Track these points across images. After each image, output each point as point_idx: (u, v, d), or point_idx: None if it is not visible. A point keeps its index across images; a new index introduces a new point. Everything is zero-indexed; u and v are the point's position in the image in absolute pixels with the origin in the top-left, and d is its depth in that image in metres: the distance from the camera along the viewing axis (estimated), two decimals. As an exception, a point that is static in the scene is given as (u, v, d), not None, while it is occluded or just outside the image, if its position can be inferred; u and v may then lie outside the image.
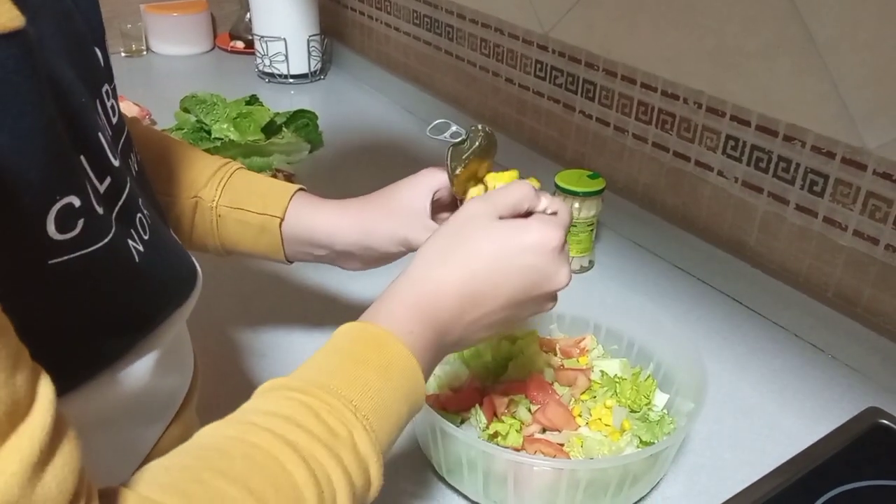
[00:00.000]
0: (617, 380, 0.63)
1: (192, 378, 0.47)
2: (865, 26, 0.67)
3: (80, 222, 0.32)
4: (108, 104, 0.38)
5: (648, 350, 0.66)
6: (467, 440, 0.51)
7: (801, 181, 0.77)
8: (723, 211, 0.86)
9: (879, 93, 0.68)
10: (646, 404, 0.62)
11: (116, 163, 0.36)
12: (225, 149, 1.06)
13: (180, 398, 0.45)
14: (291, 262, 0.61)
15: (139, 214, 0.39)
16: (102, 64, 0.39)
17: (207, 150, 1.05)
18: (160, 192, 0.59)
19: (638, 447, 0.58)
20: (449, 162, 0.55)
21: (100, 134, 0.35)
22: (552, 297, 0.49)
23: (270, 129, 1.13)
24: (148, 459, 0.41)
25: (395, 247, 0.57)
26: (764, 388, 0.71)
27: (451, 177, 0.56)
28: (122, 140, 0.40)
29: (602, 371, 0.64)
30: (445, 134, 0.57)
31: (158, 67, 1.52)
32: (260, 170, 1.05)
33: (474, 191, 0.57)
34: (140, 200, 0.39)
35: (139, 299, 0.38)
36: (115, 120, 0.39)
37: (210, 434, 0.35)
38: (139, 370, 0.38)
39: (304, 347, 0.73)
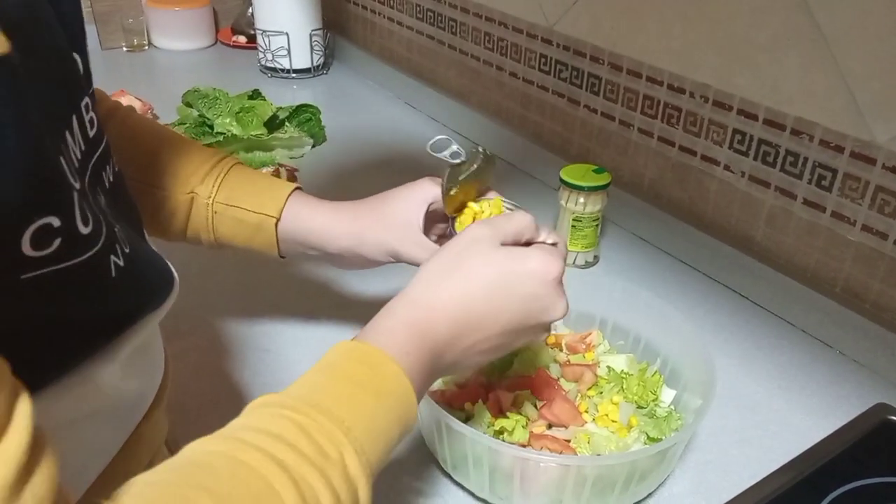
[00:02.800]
0: (623, 375, 0.62)
1: (162, 380, 0.46)
2: (875, 18, 0.66)
3: (58, 241, 0.31)
4: (87, 117, 0.37)
5: (655, 346, 0.66)
6: (473, 436, 0.51)
7: (809, 175, 0.76)
8: (729, 206, 0.85)
9: (889, 86, 0.67)
10: (653, 400, 0.61)
11: (77, 185, 0.34)
12: (227, 143, 1.05)
13: (148, 400, 0.44)
14: (284, 258, 0.63)
15: (115, 228, 0.38)
16: (82, 71, 0.39)
17: (209, 145, 1.06)
18: (154, 186, 0.59)
19: (645, 443, 0.57)
20: (445, 182, 0.56)
21: (61, 157, 0.33)
22: (546, 328, 0.49)
23: (273, 124, 1.12)
24: (115, 462, 0.41)
25: (383, 257, 0.59)
26: (771, 384, 0.70)
27: (445, 196, 0.56)
28: (96, 154, 0.39)
29: (608, 367, 0.64)
30: (445, 152, 0.58)
31: (160, 62, 1.51)
32: (262, 164, 1.04)
33: (465, 217, 0.58)
34: (109, 215, 0.38)
35: (111, 310, 0.38)
36: (92, 133, 0.38)
37: (198, 450, 0.33)
38: (104, 373, 0.38)
39: (308, 343, 0.73)
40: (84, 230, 0.33)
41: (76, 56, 0.38)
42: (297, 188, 0.61)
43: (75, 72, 0.37)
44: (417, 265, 0.57)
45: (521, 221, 0.48)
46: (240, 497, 0.30)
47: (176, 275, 0.44)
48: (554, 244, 0.50)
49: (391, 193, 0.60)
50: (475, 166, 0.58)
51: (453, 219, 0.59)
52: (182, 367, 0.68)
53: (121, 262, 0.37)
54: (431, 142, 0.57)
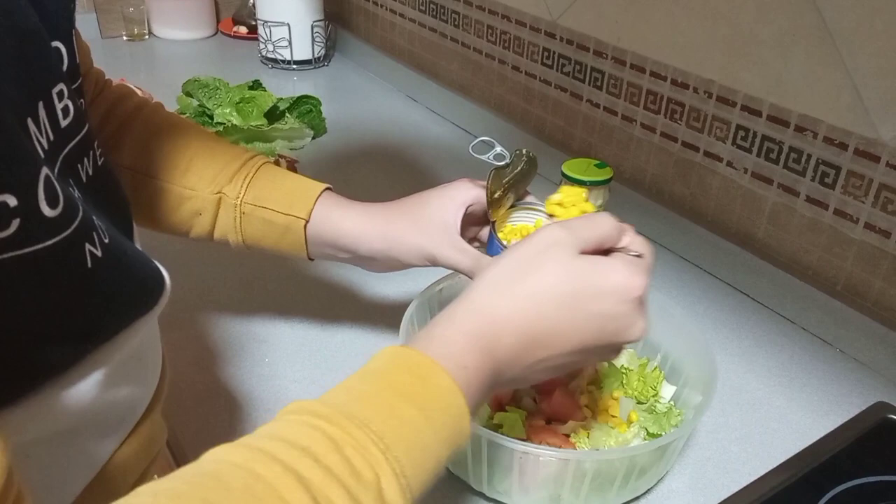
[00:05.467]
0: (624, 371, 0.62)
1: (158, 388, 0.44)
2: (882, 15, 0.66)
3: (16, 221, 0.29)
4: (59, 105, 0.35)
5: (656, 341, 0.65)
6: (472, 430, 0.50)
7: (812, 173, 0.76)
8: (732, 202, 0.85)
9: (895, 83, 0.67)
10: (653, 396, 0.61)
11: (45, 168, 0.32)
12: (227, 134, 1.05)
13: (140, 410, 0.42)
14: (313, 260, 0.61)
15: (92, 216, 0.36)
16: (66, 61, 0.37)
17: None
18: (176, 184, 0.57)
19: (645, 439, 0.57)
20: (489, 185, 0.54)
21: (21, 134, 0.31)
22: (619, 349, 0.44)
23: (273, 115, 1.12)
24: (104, 472, 0.39)
25: (419, 261, 0.57)
26: (771, 382, 0.70)
27: (489, 200, 0.54)
28: (69, 146, 0.37)
29: (608, 361, 0.63)
30: (489, 154, 0.56)
31: (160, 52, 1.50)
32: (262, 155, 1.04)
33: (508, 233, 0.56)
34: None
35: (91, 308, 0.35)
36: (65, 123, 0.35)
37: (216, 458, 0.30)
38: (89, 383, 0.35)
39: (305, 333, 0.72)
40: (49, 212, 0.31)
41: (59, 45, 0.36)
42: (327, 188, 0.59)
43: (46, 57, 0.35)
44: (455, 270, 0.56)
45: (603, 227, 0.43)
46: None
47: (167, 278, 0.42)
48: (639, 255, 0.44)
49: (427, 194, 0.58)
50: (519, 168, 0.56)
51: (494, 223, 0.57)
52: (180, 357, 0.68)
53: (98, 253, 0.34)
54: (473, 143, 0.55)
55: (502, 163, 0.55)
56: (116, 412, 0.40)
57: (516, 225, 0.58)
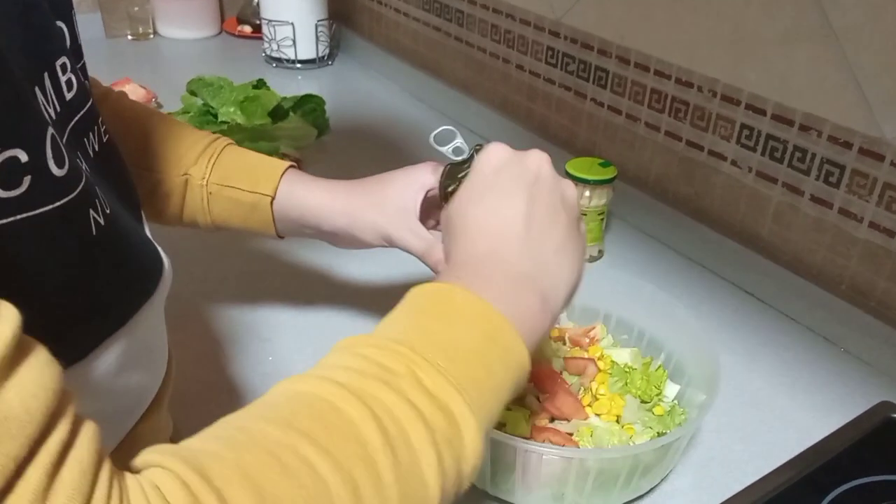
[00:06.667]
0: (627, 370, 0.62)
1: (165, 379, 0.45)
2: (886, 14, 0.66)
3: (27, 179, 0.29)
4: (63, 78, 0.36)
5: (659, 340, 0.65)
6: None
7: (817, 172, 0.75)
8: (736, 201, 0.85)
9: (900, 82, 0.67)
10: (656, 395, 0.61)
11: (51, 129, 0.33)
12: (231, 133, 1.05)
13: (148, 398, 0.42)
14: (283, 238, 0.62)
15: (94, 184, 0.36)
16: (69, 40, 0.37)
17: (214, 134, 1.05)
18: (148, 169, 0.58)
19: (649, 437, 0.57)
20: (443, 179, 0.54)
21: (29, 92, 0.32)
22: (575, 209, 0.46)
23: (277, 114, 1.12)
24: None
25: (376, 240, 0.57)
26: (775, 381, 0.70)
27: (443, 192, 0.54)
28: (75, 118, 0.37)
29: (613, 361, 0.63)
30: (448, 147, 0.56)
31: (165, 51, 1.51)
32: (266, 154, 1.04)
33: None
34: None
35: (98, 281, 0.35)
36: (69, 96, 0.36)
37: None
38: (101, 368, 0.35)
39: (309, 332, 0.72)
40: (57, 171, 0.31)
41: (61, 24, 0.37)
42: (291, 166, 0.60)
43: (49, 31, 0.35)
44: (408, 252, 0.56)
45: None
46: (299, 418, 0.30)
47: (167, 263, 0.42)
48: None
49: (390, 175, 0.59)
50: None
51: None
52: (182, 355, 0.68)
53: (101, 221, 0.35)
54: (435, 132, 0.56)
55: (460, 157, 0.55)
56: (126, 400, 0.40)
57: None
